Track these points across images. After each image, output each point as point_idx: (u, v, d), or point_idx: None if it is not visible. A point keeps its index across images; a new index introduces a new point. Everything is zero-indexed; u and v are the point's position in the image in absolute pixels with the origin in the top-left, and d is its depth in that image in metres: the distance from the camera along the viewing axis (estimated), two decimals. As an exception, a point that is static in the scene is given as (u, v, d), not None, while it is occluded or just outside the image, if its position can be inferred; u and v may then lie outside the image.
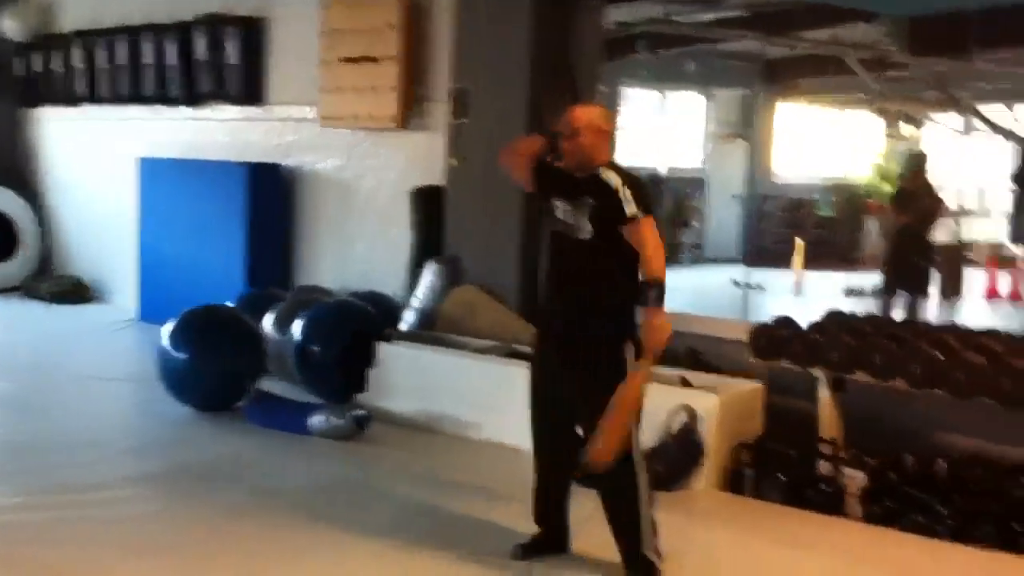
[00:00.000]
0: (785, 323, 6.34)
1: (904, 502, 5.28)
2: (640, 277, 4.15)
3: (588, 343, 4.32)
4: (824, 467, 5.59)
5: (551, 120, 4.51)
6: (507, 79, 7.51)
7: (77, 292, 11.53)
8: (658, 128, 18.15)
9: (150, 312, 10.07)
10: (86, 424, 6.79)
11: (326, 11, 8.87)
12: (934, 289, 10.94)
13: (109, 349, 9.30)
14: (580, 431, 4.48)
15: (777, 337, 6.17)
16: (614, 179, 4.23)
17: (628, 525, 4.32)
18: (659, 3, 11.27)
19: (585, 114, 4.36)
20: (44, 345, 9.49)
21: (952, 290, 12.82)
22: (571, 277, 4.33)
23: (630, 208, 4.16)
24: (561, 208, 4.33)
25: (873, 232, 17.79)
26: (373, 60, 8.52)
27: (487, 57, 7.62)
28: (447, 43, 8.04)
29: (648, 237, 4.15)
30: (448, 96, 7.94)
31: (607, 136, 4.39)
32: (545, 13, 7.45)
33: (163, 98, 10.58)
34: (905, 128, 18.39)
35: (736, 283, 13.20)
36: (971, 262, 14.09)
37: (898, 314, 9.31)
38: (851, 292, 12.94)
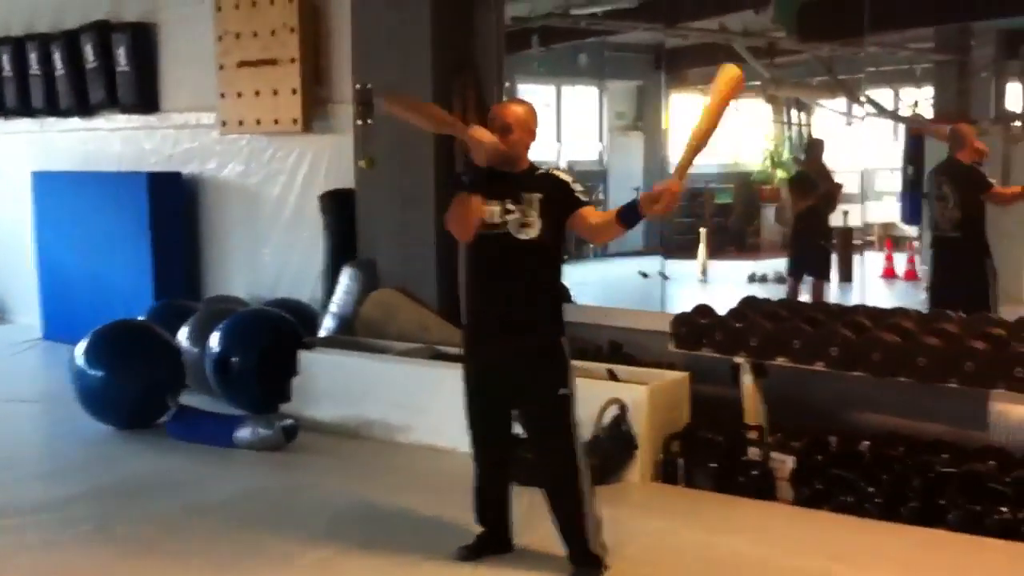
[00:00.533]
0: (704, 312, 6.41)
1: (832, 483, 5.39)
2: (612, 217, 4.27)
3: (539, 342, 4.34)
4: (753, 453, 5.68)
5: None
6: (410, 77, 7.45)
7: (-28, 313, 11.19)
8: (555, 122, 18.23)
9: (55, 330, 9.82)
10: (-2, 448, 6.59)
11: (219, 14, 8.71)
12: (834, 272, 11.18)
13: (14, 370, 9.03)
14: (521, 430, 4.50)
15: (697, 326, 6.25)
16: (564, 175, 4.40)
17: (573, 521, 4.35)
18: (557, -3, 11.33)
19: (518, 111, 4.36)
20: (-58, 369, 9.16)
21: (848, 272, 13.11)
22: (516, 279, 4.30)
23: (583, 196, 4.31)
24: (498, 211, 4.28)
25: (769, 218, 18.09)
26: (272, 63, 8.40)
27: (389, 55, 7.55)
28: (347, 43, 7.96)
29: (597, 213, 4.36)
30: (352, 97, 7.87)
31: (535, 135, 4.38)
32: (445, 8, 7.42)
33: (53, 109, 10.29)
34: (795, 114, 18.74)
35: (644, 274, 13.31)
36: (864, 245, 14.42)
37: (804, 298, 9.50)
38: (754, 278, 13.15)
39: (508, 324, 4.33)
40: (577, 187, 4.33)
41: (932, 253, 7.63)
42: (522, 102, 4.49)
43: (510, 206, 4.26)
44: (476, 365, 4.51)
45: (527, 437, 4.47)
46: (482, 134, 4.21)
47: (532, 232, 4.25)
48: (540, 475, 4.45)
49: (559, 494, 4.38)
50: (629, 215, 4.21)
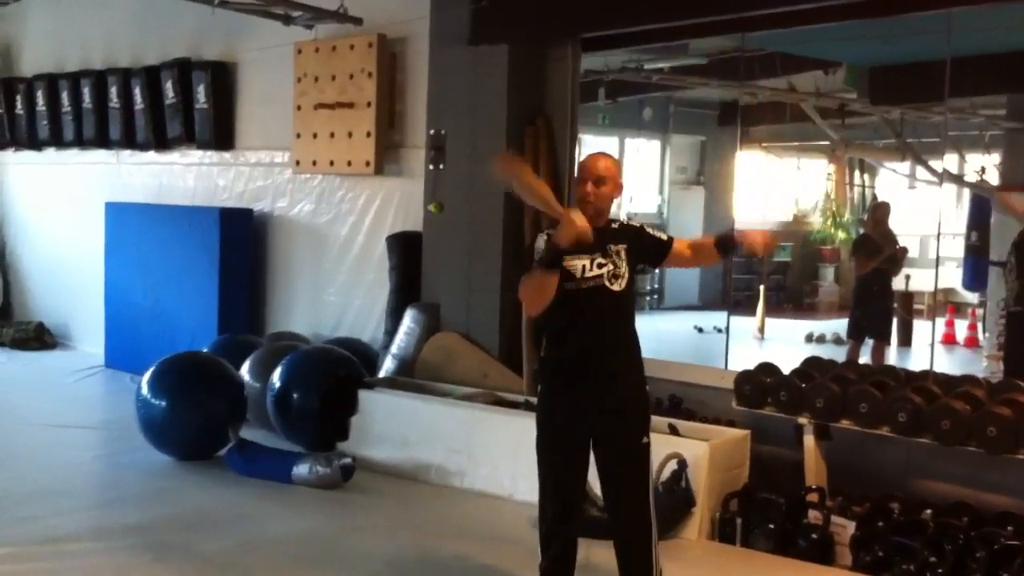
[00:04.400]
0: (768, 370, 6.38)
1: (893, 551, 5.31)
2: (711, 245, 4.50)
3: (632, 391, 4.37)
4: (813, 516, 5.62)
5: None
6: (484, 127, 7.55)
7: (39, 338, 11.37)
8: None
9: (116, 359, 9.96)
10: (59, 474, 6.67)
11: (299, 56, 8.89)
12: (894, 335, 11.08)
13: (76, 396, 9.16)
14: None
15: (762, 384, 6.21)
16: (636, 223, 4.51)
17: (640, 574, 4.31)
18: (631, 52, 11.39)
19: (610, 164, 4.38)
20: (7, 393, 9.27)
21: (908, 337, 12.98)
22: (611, 329, 4.32)
23: (664, 235, 4.47)
24: (589, 265, 4.27)
25: (828, 278, 17.95)
26: (349, 106, 8.53)
27: (463, 103, 7.65)
28: (423, 90, 8.07)
29: (687, 242, 4.51)
30: (425, 143, 7.97)
31: (622, 189, 4.43)
32: (521, 59, 7.51)
33: (130, 142, 10.51)
34: (858, 176, 18.64)
35: (699, 329, 13.26)
36: (920, 310, 14.27)
37: (864, 360, 9.42)
38: (811, 338, 13.04)
39: (603, 373, 4.33)
40: (652, 230, 4.48)
41: (1006, 322, 7.58)
42: (609, 156, 4.49)
43: (601, 260, 4.29)
44: (561, 414, 4.43)
45: (604, 486, 4.45)
46: (578, 217, 4.15)
47: (623, 283, 4.29)
48: (613, 525, 4.41)
49: (632, 544, 4.34)
50: (727, 247, 4.47)
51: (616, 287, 4.27)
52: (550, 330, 4.48)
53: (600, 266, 4.28)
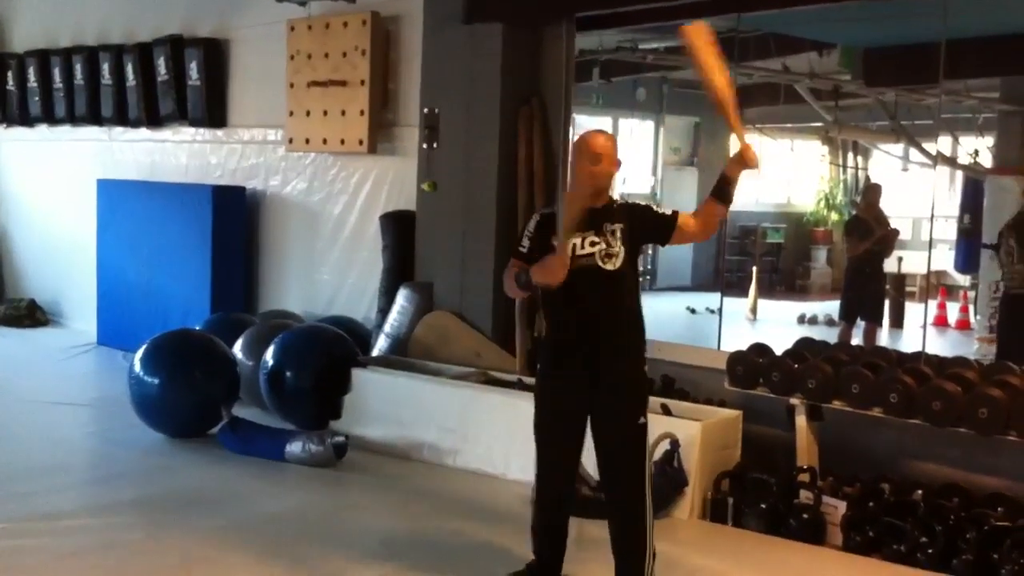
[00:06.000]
0: (761, 351, 6.40)
1: (884, 531, 5.34)
2: (710, 204, 4.45)
3: (628, 370, 4.37)
4: (804, 496, 5.64)
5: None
6: (478, 106, 7.52)
7: (31, 316, 11.35)
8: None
9: (108, 336, 9.93)
10: (52, 451, 6.69)
11: (292, 34, 8.85)
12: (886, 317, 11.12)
13: (68, 373, 9.15)
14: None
15: (754, 365, 6.23)
16: (639, 201, 4.49)
17: (635, 553, 4.33)
18: (626, 32, 11.36)
19: (607, 141, 4.41)
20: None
21: (899, 319, 13.01)
22: (605, 308, 4.31)
23: (668, 211, 4.42)
24: (580, 243, 4.28)
25: (820, 260, 17.96)
26: (342, 84, 8.50)
27: (457, 82, 7.62)
28: (417, 68, 8.04)
29: (691, 214, 4.44)
30: (418, 122, 7.94)
31: (619, 166, 4.43)
32: (516, 38, 7.48)
33: (122, 119, 10.46)
34: (851, 158, 18.64)
35: (692, 310, 13.29)
36: (912, 292, 14.30)
37: (856, 342, 9.45)
38: (804, 320, 13.06)
39: (598, 352, 4.34)
40: (656, 207, 4.47)
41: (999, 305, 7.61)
42: (606, 133, 4.52)
43: (593, 238, 4.29)
44: (558, 393, 4.47)
45: (601, 466, 4.47)
46: (562, 270, 4.18)
47: (617, 262, 4.28)
48: (609, 505, 4.43)
49: (627, 525, 4.36)
50: (723, 191, 4.38)
51: (610, 266, 4.28)
52: (547, 309, 4.51)
53: (592, 244, 4.29)
